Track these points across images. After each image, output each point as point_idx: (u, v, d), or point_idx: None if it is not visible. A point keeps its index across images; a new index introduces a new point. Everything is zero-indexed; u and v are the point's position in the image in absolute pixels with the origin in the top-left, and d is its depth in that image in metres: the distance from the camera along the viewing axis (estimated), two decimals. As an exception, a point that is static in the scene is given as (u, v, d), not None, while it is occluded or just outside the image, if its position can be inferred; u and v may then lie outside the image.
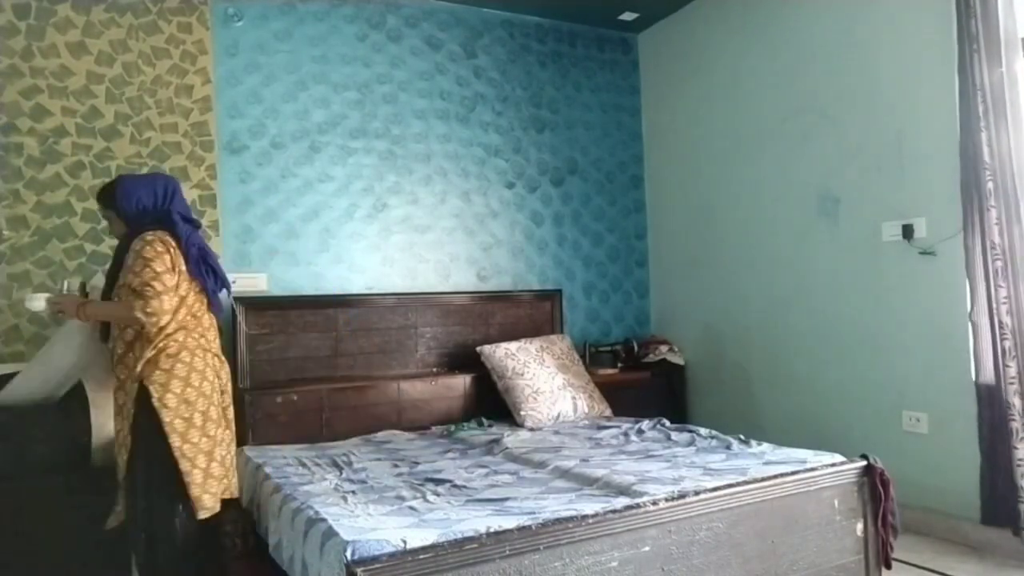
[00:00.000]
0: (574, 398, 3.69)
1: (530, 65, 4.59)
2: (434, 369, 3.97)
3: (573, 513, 1.93)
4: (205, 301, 2.42)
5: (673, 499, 2.02)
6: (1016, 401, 2.80)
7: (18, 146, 3.31)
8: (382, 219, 4.08)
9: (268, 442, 3.34)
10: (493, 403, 3.78)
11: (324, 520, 2.02)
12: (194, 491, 2.23)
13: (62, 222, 3.37)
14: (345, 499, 2.29)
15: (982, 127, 2.86)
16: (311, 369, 3.69)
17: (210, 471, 2.28)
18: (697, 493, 2.07)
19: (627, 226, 4.87)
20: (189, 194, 3.63)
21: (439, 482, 2.49)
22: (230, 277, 3.65)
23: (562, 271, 4.62)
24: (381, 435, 3.51)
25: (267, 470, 2.77)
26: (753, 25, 4.09)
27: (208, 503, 2.26)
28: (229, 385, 2.49)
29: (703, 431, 3.11)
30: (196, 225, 2.51)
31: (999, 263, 2.83)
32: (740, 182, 4.20)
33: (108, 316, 2.37)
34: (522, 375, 3.69)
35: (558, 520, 1.87)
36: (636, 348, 4.55)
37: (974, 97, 2.88)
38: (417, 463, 2.83)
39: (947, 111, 3.08)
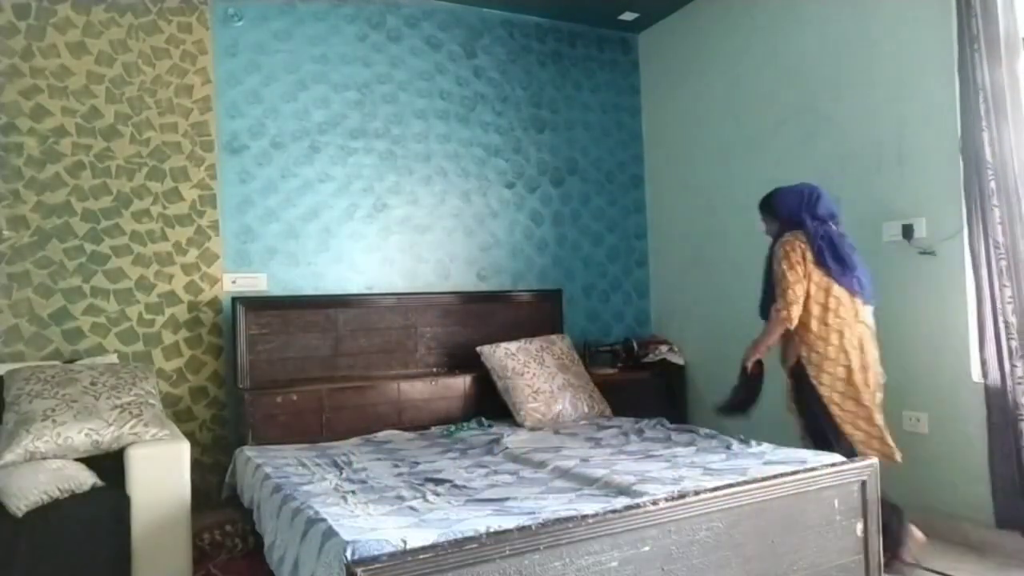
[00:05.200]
0: (574, 398, 3.69)
1: (530, 65, 4.59)
2: (434, 369, 3.97)
3: (573, 513, 1.93)
4: (833, 286, 2.80)
5: (673, 499, 2.02)
6: None
7: (18, 146, 3.31)
8: (382, 219, 4.08)
9: (268, 442, 3.34)
10: (493, 403, 3.78)
11: (324, 520, 2.02)
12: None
13: (62, 222, 3.37)
14: (345, 499, 2.29)
15: (983, 127, 2.86)
16: (311, 369, 3.69)
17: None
18: (697, 493, 2.07)
19: (627, 226, 4.87)
20: (189, 194, 3.63)
21: (439, 482, 2.48)
22: (230, 277, 3.70)
23: (562, 271, 4.62)
24: (381, 435, 3.51)
25: (267, 470, 2.77)
26: (753, 25, 4.09)
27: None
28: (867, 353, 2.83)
29: (703, 431, 3.11)
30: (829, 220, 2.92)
31: (1003, 263, 2.82)
32: (740, 182, 4.20)
33: (770, 338, 2.91)
34: (522, 375, 3.69)
35: (558, 520, 1.87)
36: (636, 348, 4.55)
37: (975, 97, 2.88)
38: (417, 463, 2.83)
39: (947, 111, 3.08)
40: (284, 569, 2.12)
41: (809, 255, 2.81)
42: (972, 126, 2.90)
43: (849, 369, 2.78)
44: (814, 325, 2.80)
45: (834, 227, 2.91)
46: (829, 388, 2.79)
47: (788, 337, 2.89)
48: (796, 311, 2.79)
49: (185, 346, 3.59)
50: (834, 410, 2.79)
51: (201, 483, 3.44)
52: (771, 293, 2.92)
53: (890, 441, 2.82)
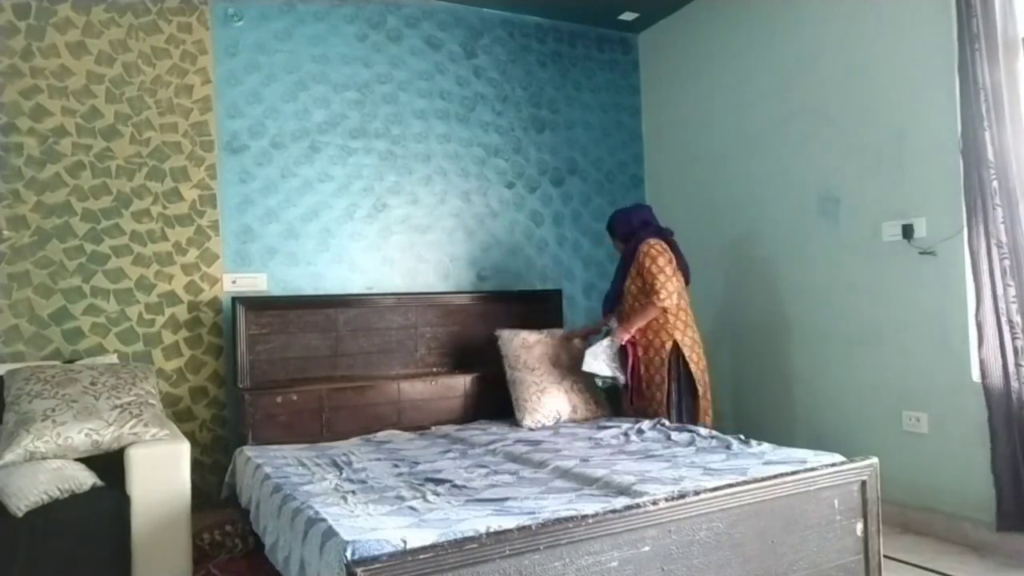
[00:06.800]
0: (579, 401, 3.67)
1: (530, 65, 4.59)
2: (434, 369, 3.97)
3: (573, 513, 1.93)
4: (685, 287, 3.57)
5: (673, 499, 2.02)
6: None
7: (18, 146, 3.31)
8: (382, 219, 4.08)
9: (268, 442, 3.34)
10: (493, 403, 3.79)
11: (324, 520, 2.02)
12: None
13: (62, 222, 3.37)
14: (345, 499, 2.29)
15: (986, 126, 2.85)
16: (311, 369, 3.69)
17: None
18: (697, 493, 2.07)
19: (627, 226, 4.86)
20: (189, 194, 3.63)
21: (439, 482, 2.48)
22: (230, 277, 3.70)
23: (562, 271, 4.62)
24: (381, 435, 3.51)
25: (267, 470, 2.77)
26: (753, 25, 4.09)
27: None
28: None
29: (703, 431, 3.11)
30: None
31: (1007, 262, 2.82)
32: (740, 182, 4.20)
33: (643, 321, 3.45)
34: (532, 371, 3.68)
35: (558, 520, 1.87)
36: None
37: (977, 96, 2.87)
38: (417, 463, 2.83)
39: (947, 111, 3.08)
40: (291, 569, 2.12)
41: (673, 259, 3.47)
42: (974, 125, 2.89)
43: (703, 352, 3.52)
44: (682, 316, 3.46)
45: (675, 240, 3.63)
46: (696, 366, 3.43)
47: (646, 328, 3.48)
48: (672, 300, 3.39)
49: (185, 346, 3.59)
50: (697, 385, 3.43)
51: (201, 483, 3.44)
52: (622, 287, 3.58)
53: (710, 411, 3.52)
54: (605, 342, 3.49)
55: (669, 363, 3.41)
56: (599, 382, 3.55)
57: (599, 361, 3.45)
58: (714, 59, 4.36)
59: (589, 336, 3.84)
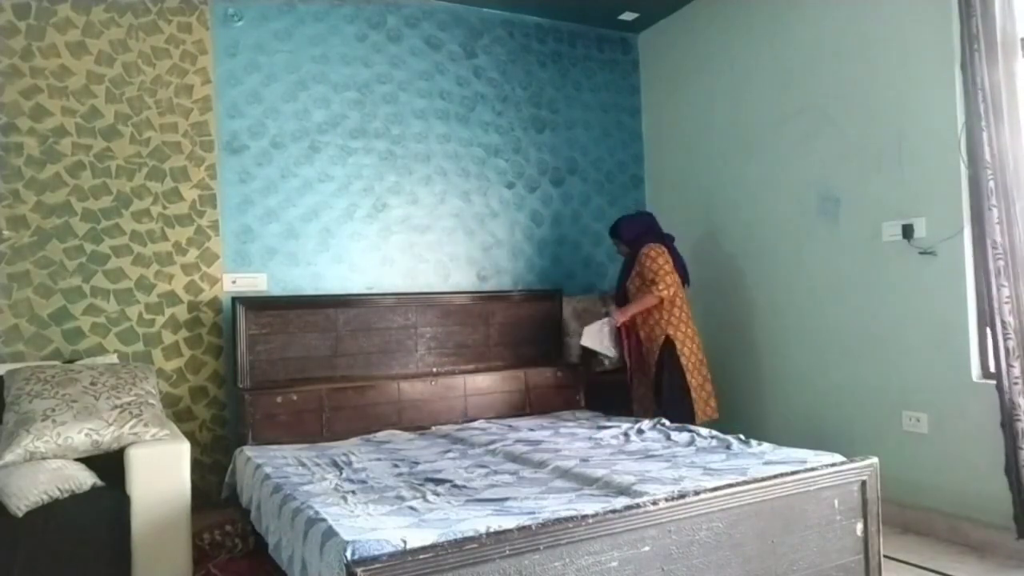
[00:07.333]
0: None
1: (530, 65, 4.59)
2: (434, 369, 3.97)
3: (573, 513, 1.93)
4: (682, 288, 3.84)
5: (673, 499, 2.02)
6: (1022, 401, 2.78)
7: (18, 146, 3.31)
8: (382, 219, 4.08)
9: (268, 442, 3.34)
10: (492, 403, 3.79)
11: (324, 520, 2.02)
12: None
13: (62, 222, 3.37)
14: (345, 499, 2.29)
15: (983, 126, 2.85)
16: (311, 369, 3.69)
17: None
18: (697, 493, 2.07)
19: (627, 226, 4.86)
20: (189, 194, 3.63)
21: (439, 482, 2.49)
22: (230, 277, 3.70)
23: (562, 271, 4.62)
24: (381, 435, 3.51)
25: (267, 470, 2.77)
26: (753, 25, 4.09)
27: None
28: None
29: (703, 431, 3.11)
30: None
31: (1001, 262, 2.82)
32: (740, 182, 4.20)
33: (640, 307, 3.75)
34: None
35: (558, 520, 1.87)
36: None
37: (975, 96, 2.87)
38: (417, 463, 2.83)
39: (947, 111, 3.08)
40: (294, 569, 2.13)
41: (671, 260, 3.75)
42: (973, 125, 2.89)
43: (698, 347, 3.77)
44: (675, 312, 3.71)
45: (675, 246, 3.92)
46: (686, 359, 3.68)
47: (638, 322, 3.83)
48: (669, 292, 3.67)
49: (185, 346, 3.59)
50: (688, 378, 3.66)
51: (201, 483, 3.44)
52: (624, 287, 3.89)
53: (713, 403, 3.75)
54: (603, 321, 3.84)
55: (662, 354, 3.72)
56: (605, 360, 4.05)
57: (592, 337, 3.82)
58: (714, 59, 4.36)
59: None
